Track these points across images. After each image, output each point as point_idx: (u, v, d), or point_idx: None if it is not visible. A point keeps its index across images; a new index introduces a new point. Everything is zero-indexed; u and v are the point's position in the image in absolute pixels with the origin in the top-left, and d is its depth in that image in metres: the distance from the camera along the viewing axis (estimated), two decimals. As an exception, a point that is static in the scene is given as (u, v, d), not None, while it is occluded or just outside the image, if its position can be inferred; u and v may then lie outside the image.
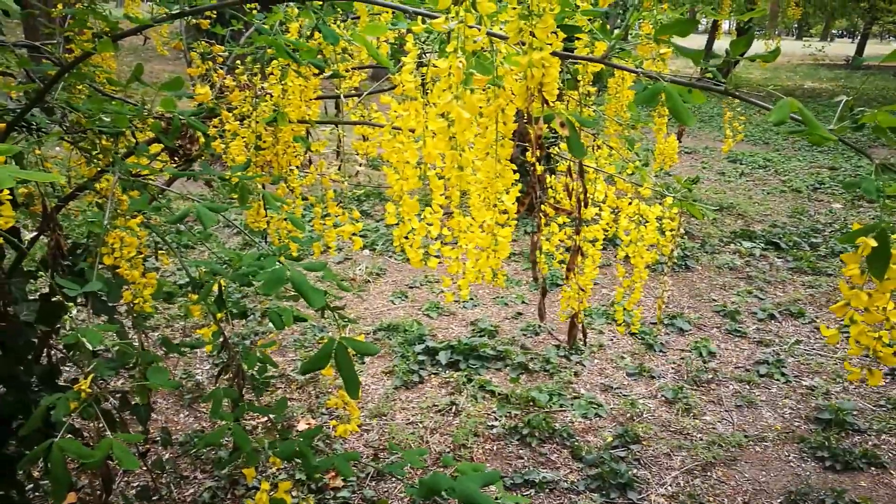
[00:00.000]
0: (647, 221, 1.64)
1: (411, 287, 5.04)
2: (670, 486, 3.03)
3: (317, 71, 1.64)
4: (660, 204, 1.67)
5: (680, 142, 2.49)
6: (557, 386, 3.75)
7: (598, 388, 3.79)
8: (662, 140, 2.18)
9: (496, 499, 2.90)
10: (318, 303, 1.19)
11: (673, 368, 4.04)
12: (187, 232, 2.74)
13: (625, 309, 1.89)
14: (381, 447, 3.20)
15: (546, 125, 1.04)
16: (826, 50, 22.99)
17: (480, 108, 0.98)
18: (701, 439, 3.37)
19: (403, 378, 3.75)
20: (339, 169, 1.79)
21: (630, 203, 1.64)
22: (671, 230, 1.68)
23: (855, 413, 3.54)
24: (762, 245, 6.05)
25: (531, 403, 3.57)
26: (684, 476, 3.10)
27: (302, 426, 3.31)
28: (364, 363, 3.95)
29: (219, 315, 1.61)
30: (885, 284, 0.93)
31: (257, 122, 1.58)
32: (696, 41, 20.07)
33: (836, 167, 9.19)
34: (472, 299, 4.87)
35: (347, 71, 1.91)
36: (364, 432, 3.32)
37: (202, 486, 2.90)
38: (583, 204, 1.38)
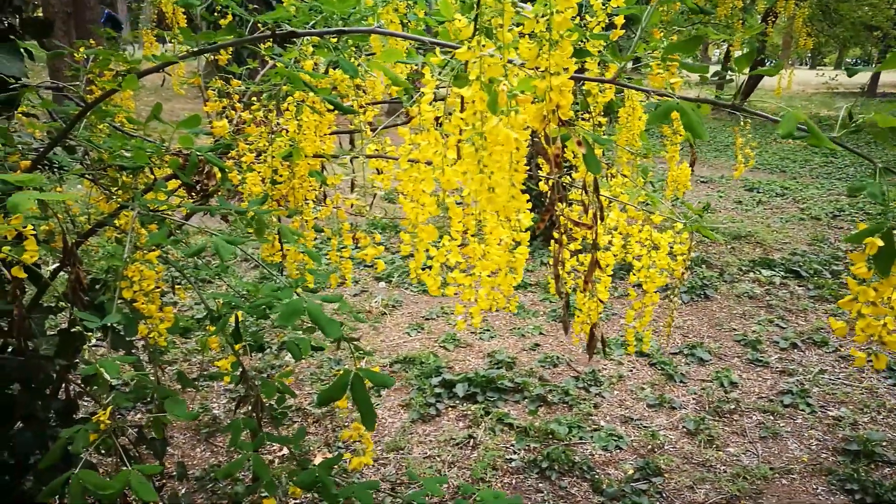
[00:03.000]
0: (658, 247, 1.64)
1: (427, 319, 5.03)
2: (694, 520, 2.96)
3: (331, 107, 1.67)
4: (671, 230, 1.67)
5: (693, 169, 2.49)
6: (577, 418, 3.70)
7: (618, 420, 3.73)
8: (675, 167, 2.18)
9: (516, 534, 2.85)
10: (335, 333, 1.20)
11: (694, 399, 3.97)
12: (205, 266, 2.77)
13: (636, 332, 1.87)
14: (398, 481, 3.17)
15: (563, 148, 1.05)
16: (840, 79, 22.99)
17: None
18: (725, 471, 3.29)
19: (420, 411, 3.73)
20: (355, 195, 1.81)
21: (641, 230, 1.64)
22: (682, 254, 1.67)
23: (884, 444, 3.44)
24: (782, 273, 5.98)
25: (550, 436, 3.53)
26: (708, 510, 3.03)
27: (318, 459, 3.28)
28: (381, 396, 3.93)
29: (237, 346, 1.61)
30: (891, 280, 0.95)
31: (273, 157, 1.60)
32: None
33: (854, 194, 9.11)
34: (488, 331, 4.85)
35: (362, 107, 1.95)
36: (381, 466, 3.29)
37: (219, 523, 2.88)
38: (598, 218, 1.38)
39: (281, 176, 1.61)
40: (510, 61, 1.00)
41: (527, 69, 0.94)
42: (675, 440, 3.56)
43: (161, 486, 2.41)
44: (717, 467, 3.33)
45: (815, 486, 3.18)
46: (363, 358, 4.29)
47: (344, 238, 1.71)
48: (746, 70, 1.03)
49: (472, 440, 3.50)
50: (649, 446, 3.48)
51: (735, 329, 4.94)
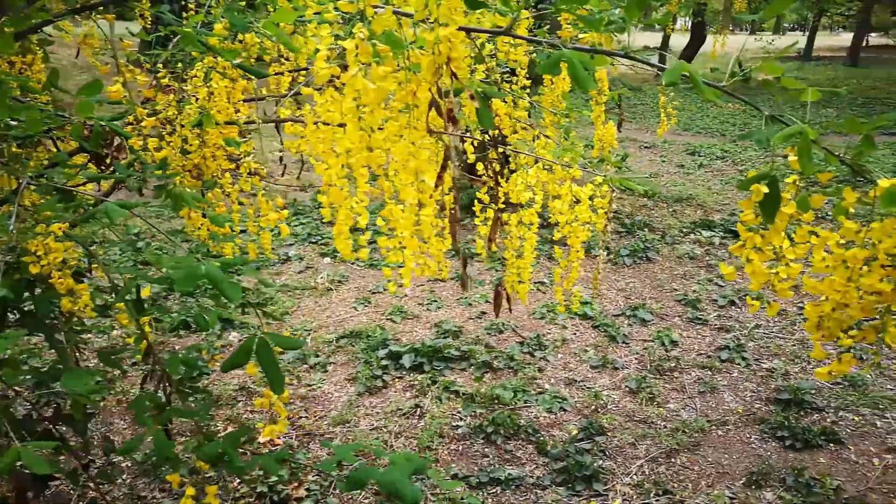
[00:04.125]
0: (579, 201, 1.65)
1: (374, 293, 5.01)
2: (635, 475, 3.05)
3: (242, 73, 1.62)
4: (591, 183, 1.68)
5: (620, 130, 2.52)
6: (521, 382, 3.75)
7: (562, 383, 3.80)
8: (601, 127, 2.19)
9: (461, 499, 2.88)
10: (235, 297, 1.17)
11: (636, 359, 4.06)
12: (146, 250, 2.69)
13: (589, 298, 1.89)
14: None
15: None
16: (777, 43, 23.54)
17: (392, 91, 0.97)
18: (665, 427, 3.39)
19: (367, 384, 3.72)
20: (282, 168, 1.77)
21: (562, 184, 1.64)
22: (602, 208, 1.69)
23: (813, 392, 3.59)
24: (721, 234, 6.13)
25: (496, 401, 3.56)
26: (649, 464, 3.11)
27: (264, 438, 3.25)
28: (327, 371, 3.90)
29: (143, 320, 1.56)
30: (777, 226, 0.96)
31: (182, 126, 1.54)
32: (651, 38, 20.38)
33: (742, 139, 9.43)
34: (435, 301, 4.86)
35: (280, 73, 1.89)
36: (328, 440, 3.28)
37: (161, 506, 2.84)
38: (500, 175, 1.37)
39: (191, 145, 1.56)
40: (401, 13, 0.98)
41: (416, 20, 0.92)
42: (618, 399, 3.64)
43: (87, 463, 2.34)
44: (657, 423, 3.42)
45: (748, 435, 3.30)
46: (273, 323, 4.26)
47: (260, 205, 1.67)
48: (635, 18, 1.02)
49: (418, 410, 3.51)
50: (592, 406, 3.55)
51: (676, 289, 5.06)
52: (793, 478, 2.94)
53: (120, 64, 1.89)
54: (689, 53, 15.36)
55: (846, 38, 29.19)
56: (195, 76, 1.57)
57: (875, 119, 0.95)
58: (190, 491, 1.48)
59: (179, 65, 1.73)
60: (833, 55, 23.89)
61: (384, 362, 3.91)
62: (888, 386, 3.67)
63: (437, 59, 0.90)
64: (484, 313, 4.67)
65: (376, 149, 0.95)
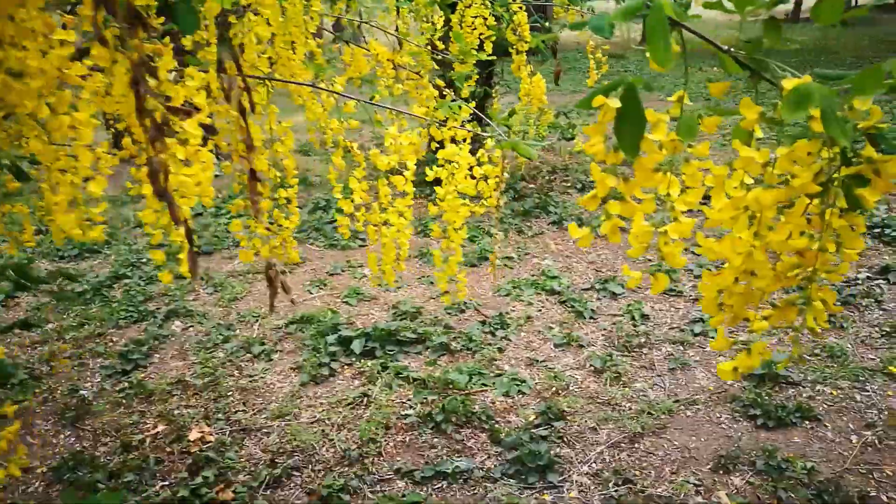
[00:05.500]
0: (458, 165, 1.37)
1: (332, 274, 4.74)
2: (594, 462, 2.81)
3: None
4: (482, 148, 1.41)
5: (558, 84, 2.23)
6: (479, 364, 3.50)
7: (522, 363, 3.55)
8: (527, 80, 1.90)
9: (402, 496, 2.63)
10: None
11: (603, 335, 3.82)
12: None
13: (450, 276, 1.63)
14: (280, 450, 2.92)
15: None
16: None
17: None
18: (630, 409, 3.15)
19: (311, 373, 3.47)
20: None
21: (438, 147, 1.36)
22: (495, 177, 1.42)
23: (789, 366, 3.35)
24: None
25: (449, 386, 3.32)
26: (609, 451, 2.88)
27: (195, 435, 3.01)
28: (271, 360, 3.65)
29: None
30: (644, 162, 0.71)
31: None
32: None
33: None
34: (396, 281, 4.59)
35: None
36: (263, 435, 3.03)
37: (74, 515, 2.59)
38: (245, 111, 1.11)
39: None
40: None
41: None
42: (581, 380, 3.40)
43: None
44: (622, 405, 3.19)
45: (718, 415, 3.07)
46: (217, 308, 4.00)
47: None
48: None
49: (365, 399, 3.26)
50: (553, 389, 3.31)
51: (650, 260, 4.79)
52: (763, 460, 2.71)
53: None
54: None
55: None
56: None
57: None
58: None
59: None
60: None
61: (332, 349, 3.66)
62: (869, 356, 3.44)
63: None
64: (446, 292, 4.40)
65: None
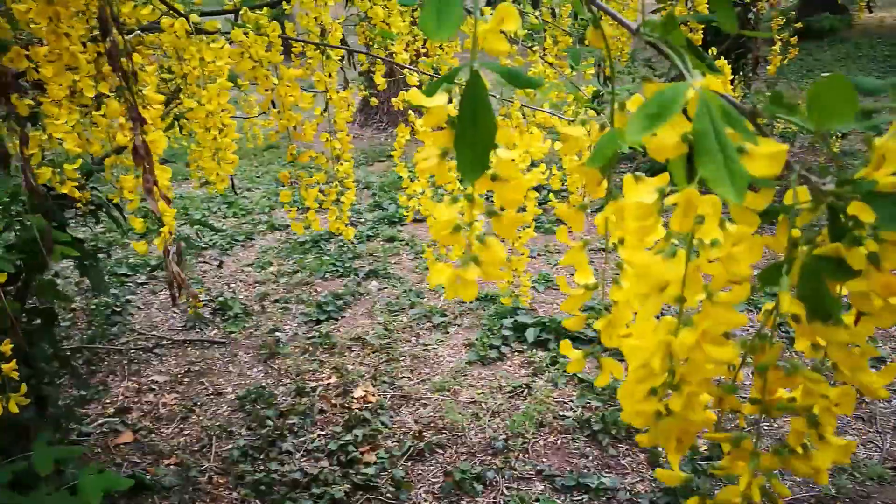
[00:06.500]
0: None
1: (531, 256, 4.65)
2: None
3: None
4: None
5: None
6: (656, 378, 3.19)
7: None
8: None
9: (535, 500, 2.51)
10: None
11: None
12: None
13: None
14: (430, 424, 2.95)
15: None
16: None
17: None
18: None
19: (481, 352, 3.45)
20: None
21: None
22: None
23: None
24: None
25: (616, 395, 3.07)
26: None
27: (359, 392, 3.17)
28: (447, 333, 3.70)
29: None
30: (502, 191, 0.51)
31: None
32: None
33: None
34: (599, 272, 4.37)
35: None
36: (420, 406, 3.09)
37: None
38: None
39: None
40: None
41: None
42: (775, 417, 2.93)
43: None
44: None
45: (947, 499, 2.45)
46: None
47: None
48: None
49: (526, 390, 3.16)
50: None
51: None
52: None
53: None
54: None
55: None
56: None
57: None
58: None
59: None
60: None
61: (506, 332, 3.60)
62: None
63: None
64: (641, 292, 4.09)
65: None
